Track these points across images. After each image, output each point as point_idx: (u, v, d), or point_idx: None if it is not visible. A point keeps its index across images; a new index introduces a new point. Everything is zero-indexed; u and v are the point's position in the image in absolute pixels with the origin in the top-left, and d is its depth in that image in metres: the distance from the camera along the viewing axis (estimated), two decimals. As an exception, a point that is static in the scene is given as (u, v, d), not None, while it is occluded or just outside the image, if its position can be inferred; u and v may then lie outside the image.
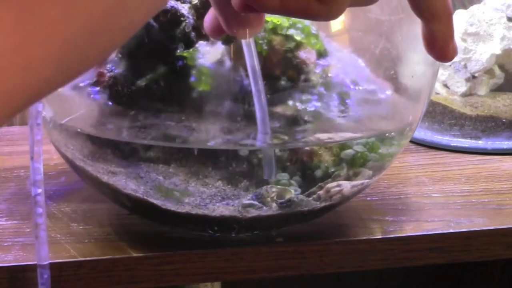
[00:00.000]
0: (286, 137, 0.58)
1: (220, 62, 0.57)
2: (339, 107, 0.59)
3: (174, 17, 0.57)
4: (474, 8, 0.86)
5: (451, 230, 0.64)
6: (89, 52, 0.31)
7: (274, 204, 0.58)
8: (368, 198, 0.70)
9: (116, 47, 0.32)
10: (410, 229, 0.64)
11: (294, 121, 0.58)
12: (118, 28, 0.32)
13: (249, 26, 0.45)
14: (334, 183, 0.59)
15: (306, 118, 0.58)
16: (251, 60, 0.55)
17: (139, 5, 0.32)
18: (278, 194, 0.58)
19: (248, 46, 0.55)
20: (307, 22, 0.59)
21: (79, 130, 0.60)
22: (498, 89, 0.86)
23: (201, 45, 0.58)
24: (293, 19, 0.59)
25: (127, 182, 0.58)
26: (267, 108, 0.56)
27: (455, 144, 0.84)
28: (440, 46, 0.44)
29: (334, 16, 0.40)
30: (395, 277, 1.13)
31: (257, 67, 0.55)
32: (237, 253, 0.61)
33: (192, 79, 0.57)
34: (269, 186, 0.57)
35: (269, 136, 0.57)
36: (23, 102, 0.29)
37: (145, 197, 0.59)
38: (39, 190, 0.57)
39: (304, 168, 0.58)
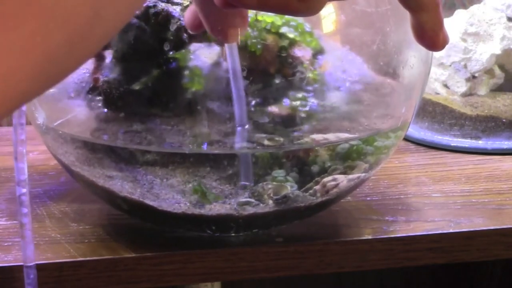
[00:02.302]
0: (281, 139, 0.58)
1: (213, 63, 0.57)
2: (335, 104, 0.59)
3: (165, 19, 0.57)
4: (474, 8, 0.86)
5: (451, 230, 0.64)
6: (67, 62, 0.32)
7: (270, 201, 0.58)
8: (368, 198, 0.70)
9: (93, 55, 0.33)
10: (410, 229, 0.64)
11: (289, 120, 0.58)
12: (95, 38, 0.32)
13: (233, 29, 0.45)
14: (330, 178, 0.59)
15: (301, 117, 0.58)
16: (231, 51, 0.55)
17: (114, 14, 0.32)
18: (275, 191, 0.58)
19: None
20: (300, 19, 0.59)
21: (60, 132, 0.60)
22: (498, 89, 0.86)
23: (194, 46, 0.58)
24: (286, 17, 0.59)
25: (124, 185, 0.58)
26: (245, 100, 0.56)
27: (455, 144, 0.84)
28: (430, 36, 0.44)
29: (313, 12, 0.40)
30: (395, 277, 1.13)
31: (237, 59, 0.55)
32: (237, 253, 0.61)
33: (184, 80, 0.57)
34: (265, 183, 0.57)
35: (246, 129, 0.57)
36: (1, 112, 0.30)
37: (141, 199, 0.59)
38: (24, 190, 0.57)
39: (301, 164, 0.58)
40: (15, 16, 0.28)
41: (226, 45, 0.56)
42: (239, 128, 0.57)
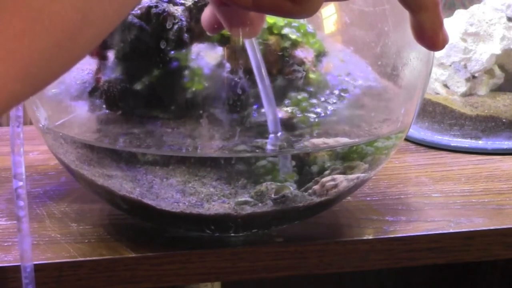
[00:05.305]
0: (284, 144, 0.58)
1: (214, 63, 0.57)
2: (337, 106, 0.59)
3: (166, 19, 0.57)
4: (474, 8, 0.86)
5: (451, 230, 0.64)
6: (55, 65, 0.31)
7: (269, 201, 0.58)
8: (368, 198, 0.70)
9: (82, 57, 0.33)
10: (410, 229, 0.64)
11: (290, 123, 0.58)
12: (84, 41, 0.32)
13: (249, 25, 0.45)
14: (329, 177, 0.59)
15: (302, 119, 0.58)
16: (255, 59, 0.55)
17: (103, 17, 0.32)
18: (276, 191, 0.58)
19: (251, 44, 0.55)
20: (302, 20, 0.59)
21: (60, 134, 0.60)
22: (498, 89, 0.86)
23: (195, 46, 0.58)
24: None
25: (123, 185, 0.58)
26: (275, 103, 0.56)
27: (455, 144, 0.84)
28: (429, 36, 0.44)
29: (308, 14, 0.39)
30: (395, 277, 1.13)
31: (263, 66, 0.55)
32: (237, 253, 0.61)
33: (185, 80, 0.57)
34: (269, 183, 0.57)
35: (280, 136, 0.57)
36: None
37: (140, 198, 0.59)
38: (20, 183, 0.57)
39: (301, 164, 0.58)
40: (1, 19, 0.28)
41: (247, 46, 0.55)
42: (271, 136, 0.57)
